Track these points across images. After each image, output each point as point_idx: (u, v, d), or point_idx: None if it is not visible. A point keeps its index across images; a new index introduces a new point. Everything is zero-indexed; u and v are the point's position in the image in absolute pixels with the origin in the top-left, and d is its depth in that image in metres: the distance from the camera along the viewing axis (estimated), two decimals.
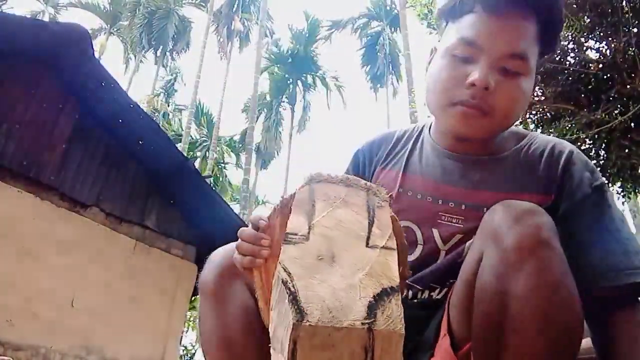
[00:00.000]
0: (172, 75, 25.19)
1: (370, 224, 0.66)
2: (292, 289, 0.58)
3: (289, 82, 23.42)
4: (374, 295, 0.58)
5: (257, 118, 21.42)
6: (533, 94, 1.06)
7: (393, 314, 0.56)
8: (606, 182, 0.95)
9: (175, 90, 25.58)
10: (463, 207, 0.97)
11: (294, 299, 0.57)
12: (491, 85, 0.89)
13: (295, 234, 0.64)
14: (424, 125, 1.14)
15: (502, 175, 0.97)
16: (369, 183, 0.73)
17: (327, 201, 0.69)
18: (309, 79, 23.98)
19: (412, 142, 1.13)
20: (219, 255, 0.91)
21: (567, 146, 0.96)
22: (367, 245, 0.63)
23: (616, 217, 0.89)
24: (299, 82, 23.74)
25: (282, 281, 0.59)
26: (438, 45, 1.01)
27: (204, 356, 0.90)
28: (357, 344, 0.55)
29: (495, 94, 0.90)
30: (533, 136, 1.02)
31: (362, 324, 0.55)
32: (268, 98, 23.21)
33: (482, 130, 0.94)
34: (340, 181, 0.72)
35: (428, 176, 1.04)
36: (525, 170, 0.95)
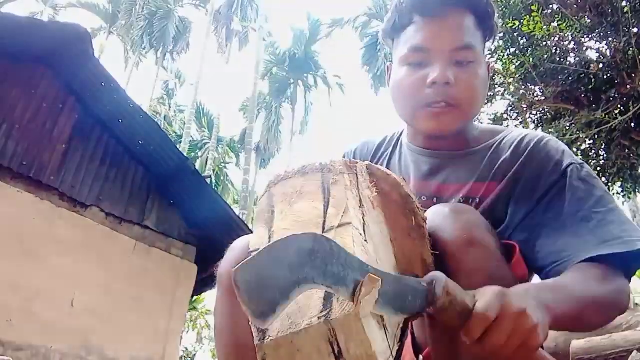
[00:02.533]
0: (175, 76, 25.18)
1: (326, 206, 0.65)
2: None
3: (290, 82, 23.43)
4: None
5: (257, 118, 21.42)
6: (493, 80, 1.12)
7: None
8: (578, 162, 0.93)
9: (175, 93, 25.58)
10: (435, 199, 1.00)
11: None
12: (451, 80, 0.95)
13: (257, 250, 0.63)
14: (403, 130, 1.19)
15: (470, 168, 1.00)
16: (324, 162, 0.71)
17: (284, 201, 0.68)
18: (310, 80, 23.99)
19: (392, 146, 1.19)
20: (240, 246, 0.88)
21: (537, 135, 0.98)
22: (323, 231, 0.62)
23: (577, 197, 0.88)
24: (300, 83, 23.75)
25: None
26: (393, 62, 1.08)
27: (216, 349, 0.90)
28: (320, 339, 0.54)
29: (457, 86, 0.96)
30: (509, 131, 1.05)
31: (319, 318, 0.54)
32: (268, 98, 23.20)
33: (454, 123, 0.98)
34: (296, 173, 0.70)
35: (405, 175, 1.09)
36: (492, 161, 0.98)
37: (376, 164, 1.15)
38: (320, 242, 0.53)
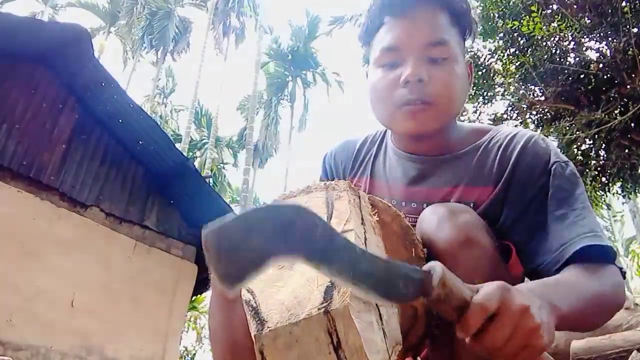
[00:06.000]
0: (168, 77, 25.19)
1: (329, 217, 0.67)
2: (254, 305, 0.60)
3: (288, 79, 23.38)
4: (330, 280, 0.57)
5: (256, 116, 21.39)
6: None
7: (348, 290, 0.55)
8: (563, 160, 0.93)
9: (173, 91, 25.59)
10: (424, 205, 0.97)
11: (255, 313, 0.59)
12: (424, 77, 0.93)
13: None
14: (386, 130, 1.16)
15: (458, 171, 0.98)
16: (328, 182, 0.73)
17: None
18: (309, 76, 23.93)
19: (375, 147, 1.16)
20: None
21: (524, 136, 0.96)
22: None
23: (558, 197, 0.88)
24: (299, 80, 23.70)
25: (246, 301, 0.60)
26: (369, 67, 1.06)
27: (211, 350, 0.90)
28: (319, 330, 0.55)
29: (431, 83, 0.93)
30: (496, 130, 1.03)
31: (318, 309, 0.55)
32: (266, 96, 23.16)
33: (432, 122, 0.96)
34: (301, 192, 0.73)
35: (392, 180, 1.07)
36: (482, 164, 0.96)
37: (359, 165, 1.14)
38: (302, 216, 0.50)
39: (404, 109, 0.95)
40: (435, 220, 0.79)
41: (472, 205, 0.93)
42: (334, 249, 0.51)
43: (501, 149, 0.95)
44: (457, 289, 0.59)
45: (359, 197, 0.73)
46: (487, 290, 0.59)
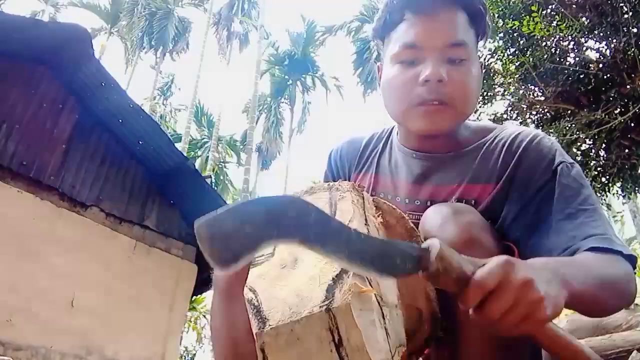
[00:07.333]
0: (169, 77, 25.22)
1: (333, 216, 0.67)
2: (256, 303, 0.60)
3: (288, 83, 23.48)
4: (333, 278, 0.58)
5: (258, 119, 21.45)
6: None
7: (350, 287, 0.56)
8: (569, 161, 0.93)
9: (172, 93, 25.61)
10: (428, 203, 0.98)
11: (257, 311, 0.59)
12: (443, 77, 0.93)
13: (261, 256, 0.66)
14: (393, 127, 1.17)
15: (462, 169, 0.99)
16: (331, 183, 0.74)
17: None
18: (308, 80, 24.04)
19: (381, 144, 1.16)
20: None
21: (528, 134, 0.96)
22: None
23: (565, 196, 0.88)
24: (298, 83, 23.79)
25: (248, 300, 0.61)
26: (384, 62, 1.06)
27: (212, 350, 0.90)
28: (320, 327, 0.55)
29: (449, 84, 0.94)
30: (501, 129, 1.03)
31: (320, 307, 0.55)
32: (268, 99, 23.28)
33: (447, 122, 0.96)
34: (304, 193, 0.74)
35: (397, 177, 1.08)
36: (485, 162, 0.97)
37: (365, 162, 1.15)
38: (295, 204, 0.51)
39: (421, 109, 0.95)
40: (438, 220, 0.79)
41: (473, 202, 0.93)
42: (328, 231, 0.52)
43: (505, 147, 0.96)
44: (457, 264, 0.59)
45: (363, 198, 0.74)
46: (489, 267, 0.59)
